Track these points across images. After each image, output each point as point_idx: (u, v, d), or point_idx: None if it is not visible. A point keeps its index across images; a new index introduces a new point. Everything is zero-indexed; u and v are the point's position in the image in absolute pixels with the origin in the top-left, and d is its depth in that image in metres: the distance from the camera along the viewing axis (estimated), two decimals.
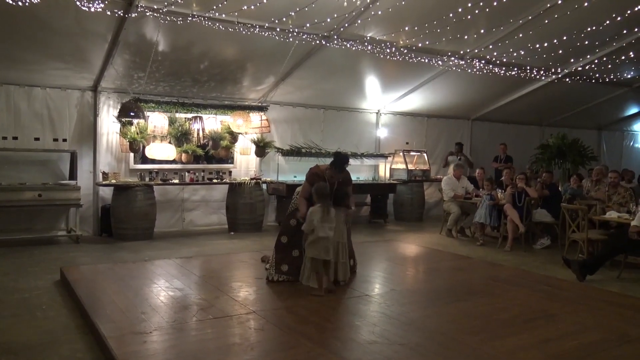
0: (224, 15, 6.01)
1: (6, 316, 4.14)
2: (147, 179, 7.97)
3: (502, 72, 8.61)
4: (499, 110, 11.24)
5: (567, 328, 3.87)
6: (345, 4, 6.13)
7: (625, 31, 7.59)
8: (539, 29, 7.11)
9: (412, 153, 10.64)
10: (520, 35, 7.30)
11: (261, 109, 8.76)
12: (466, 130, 11.77)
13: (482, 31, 7.24)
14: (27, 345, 3.57)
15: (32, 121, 7.43)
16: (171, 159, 8.11)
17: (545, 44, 7.52)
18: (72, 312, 4.26)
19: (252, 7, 5.80)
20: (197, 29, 6.25)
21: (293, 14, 6.10)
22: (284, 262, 4.94)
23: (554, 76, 9.29)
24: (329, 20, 6.43)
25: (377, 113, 10.52)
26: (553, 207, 7.63)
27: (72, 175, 7.55)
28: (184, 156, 8.23)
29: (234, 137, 8.57)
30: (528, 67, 8.75)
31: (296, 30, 6.62)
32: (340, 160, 5.01)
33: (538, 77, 9.19)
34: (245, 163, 9.11)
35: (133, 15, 5.81)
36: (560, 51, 7.79)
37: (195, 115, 8.30)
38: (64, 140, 7.62)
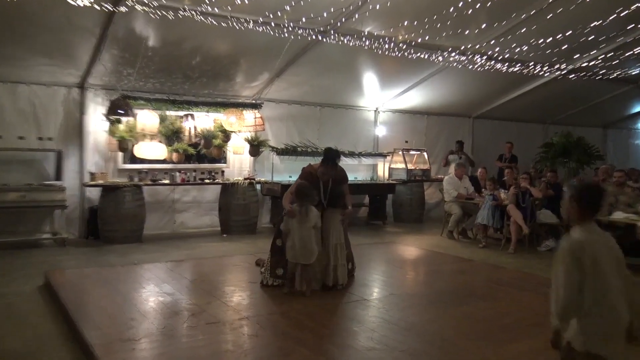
0: (216, 10, 5.98)
1: None
2: (136, 179, 7.94)
3: (505, 68, 8.62)
4: (501, 108, 11.25)
5: None
6: None
7: (631, 26, 7.60)
8: (542, 24, 7.11)
9: (412, 152, 10.64)
10: (524, 30, 7.30)
11: (255, 106, 8.74)
12: (467, 129, 11.78)
13: (483, 26, 7.24)
14: (10, 353, 3.53)
15: (17, 119, 7.37)
16: (161, 158, 8.08)
17: (549, 40, 7.52)
18: (57, 318, 4.22)
19: (246, 0, 5.78)
20: (189, 23, 6.22)
21: (288, 8, 6.08)
22: (279, 266, 4.92)
23: (557, 72, 9.29)
24: (325, 14, 6.42)
25: (375, 111, 10.51)
26: (558, 207, 7.63)
27: (58, 175, 7.51)
28: (174, 155, 8.20)
29: (226, 135, 8.55)
30: (531, 63, 8.76)
31: (291, 24, 6.60)
32: (331, 155, 5.01)
33: (541, 73, 9.20)
34: (238, 162, 9.08)
35: (122, 9, 5.78)
36: (564, 47, 7.80)
37: (187, 112, 8.27)
38: (50, 139, 7.57)
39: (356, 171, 9.95)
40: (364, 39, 7.16)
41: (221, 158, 8.84)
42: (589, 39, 7.63)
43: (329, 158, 4.99)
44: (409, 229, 9.55)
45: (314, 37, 6.96)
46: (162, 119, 8.03)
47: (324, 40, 7.08)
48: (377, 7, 6.39)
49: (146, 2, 5.75)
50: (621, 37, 7.99)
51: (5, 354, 3.52)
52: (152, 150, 7.95)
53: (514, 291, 5.01)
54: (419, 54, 7.81)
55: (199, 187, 8.63)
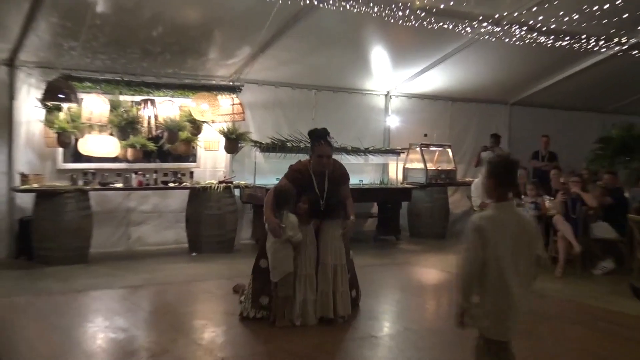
0: None
1: None
2: (80, 182, 7.92)
3: (550, 42, 8.65)
4: (545, 93, 11.28)
5: None
6: None
7: None
8: None
9: (433, 148, 10.65)
10: None
11: (233, 89, 8.74)
12: (504, 118, 11.80)
13: None
14: None
15: None
16: (113, 155, 8.07)
17: (606, 6, 7.56)
18: None
19: None
20: None
21: None
22: (264, 294, 4.92)
23: (617, 48, 9.34)
24: None
25: (386, 95, 10.52)
26: (618, 219, 7.66)
27: None
28: (130, 152, 8.19)
29: (196, 127, 8.55)
30: (584, 36, 8.79)
31: None
32: (318, 133, 5.03)
33: (597, 49, 9.24)
34: (211, 161, 9.09)
35: None
36: (625, 15, 7.83)
37: (146, 98, 8.26)
38: None
39: (362, 172, 9.95)
40: (371, 4, 7.17)
41: (189, 155, 8.83)
42: None
43: (319, 136, 5.01)
44: (428, 246, 9.56)
45: (307, 1, 6.97)
46: (115, 106, 8.02)
47: (321, 5, 7.09)
48: None
49: None
50: None
51: None
52: (101, 145, 7.93)
53: (562, 326, 5.02)
54: (441, 24, 7.82)
55: (161, 192, 8.61)
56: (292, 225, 4.80)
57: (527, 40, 8.54)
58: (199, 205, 8.44)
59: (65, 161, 8.08)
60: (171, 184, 8.52)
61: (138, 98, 8.27)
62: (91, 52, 7.71)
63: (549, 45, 8.75)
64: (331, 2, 7.02)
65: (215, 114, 8.52)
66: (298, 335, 4.58)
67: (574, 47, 8.97)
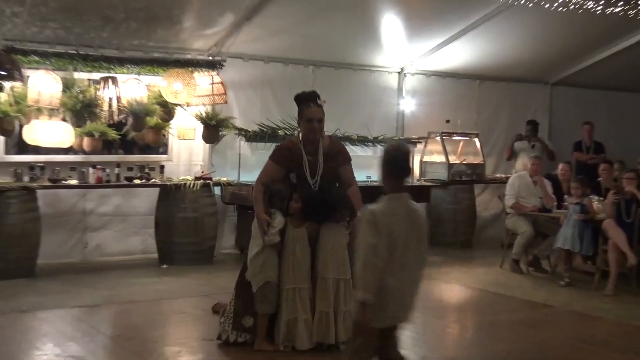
0: None
1: None
2: (26, 178, 7.91)
3: (600, 8, 8.64)
4: (594, 70, 11.28)
5: None
6: None
7: None
8: None
9: (456, 137, 10.67)
10: None
11: (212, 65, 8.74)
12: (543, 101, 11.83)
13: None
14: None
15: None
16: (66, 146, 8.07)
17: None
18: None
19: None
20: None
21: None
22: (247, 313, 4.93)
23: None
24: None
25: (399, 73, 10.53)
26: None
27: None
28: (87, 141, 8.19)
29: (168, 111, 8.54)
30: None
31: None
32: (305, 98, 5.09)
33: None
34: (186, 153, 9.11)
35: None
36: None
37: (106, 75, 8.25)
38: None
39: (370, 167, 9.90)
40: None
41: (159, 146, 8.86)
42: None
43: (308, 98, 5.07)
44: (451, 256, 9.55)
45: None
46: (68, 85, 8.01)
47: None
48: None
49: None
50: None
51: None
52: (51, 133, 7.90)
53: (613, 355, 5.01)
54: None
55: (124, 191, 8.63)
56: (275, 226, 4.87)
57: (572, 6, 8.52)
58: (171, 207, 8.45)
59: (7, 152, 8.09)
60: (137, 181, 8.50)
61: (97, 76, 8.27)
62: (39, 19, 7.69)
63: (598, 12, 8.73)
64: None
65: (190, 95, 8.51)
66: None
67: (629, 14, 8.94)
